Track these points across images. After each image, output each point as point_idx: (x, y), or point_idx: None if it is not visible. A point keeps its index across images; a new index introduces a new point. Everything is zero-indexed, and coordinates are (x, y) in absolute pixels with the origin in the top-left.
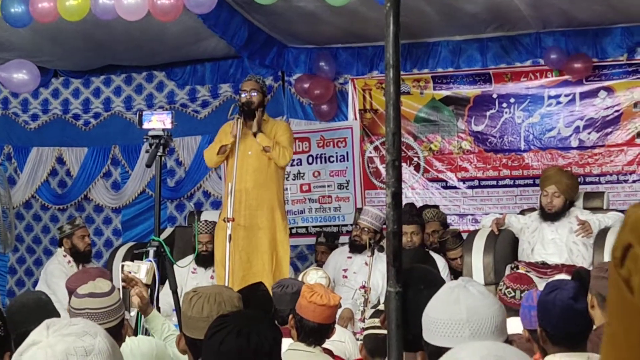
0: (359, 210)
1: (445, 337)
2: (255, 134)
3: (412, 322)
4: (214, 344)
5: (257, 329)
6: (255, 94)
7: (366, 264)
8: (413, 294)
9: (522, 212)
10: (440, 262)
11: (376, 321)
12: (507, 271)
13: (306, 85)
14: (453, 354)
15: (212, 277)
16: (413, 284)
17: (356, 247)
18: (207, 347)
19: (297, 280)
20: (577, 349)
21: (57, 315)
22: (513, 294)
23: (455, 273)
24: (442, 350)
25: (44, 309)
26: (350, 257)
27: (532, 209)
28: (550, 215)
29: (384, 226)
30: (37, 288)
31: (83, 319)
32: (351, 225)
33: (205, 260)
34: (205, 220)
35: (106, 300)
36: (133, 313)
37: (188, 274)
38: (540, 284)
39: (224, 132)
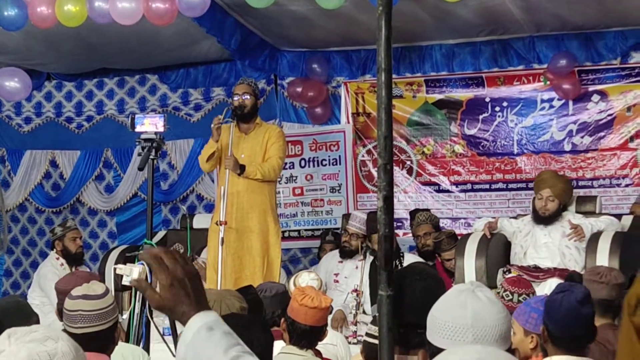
0: (347, 216)
1: (448, 339)
2: (240, 175)
3: (405, 312)
4: None
5: (248, 332)
6: (248, 97)
7: (357, 268)
8: (408, 283)
9: (517, 217)
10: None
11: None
12: (500, 275)
13: (299, 89)
14: (444, 356)
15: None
16: (409, 274)
17: (346, 253)
18: None
19: (276, 283)
20: (577, 353)
21: (36, 317)
22: (511, 297)
23: (450, 274)
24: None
25: (23, 312)
26: (342, 262)
27: (526, 215)
28: (543, 219)
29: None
30: (30, 290)
31: (43, 326)
32: (342, 231)
33: None
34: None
35: (99, 303)
36: (125, 316)
37: None
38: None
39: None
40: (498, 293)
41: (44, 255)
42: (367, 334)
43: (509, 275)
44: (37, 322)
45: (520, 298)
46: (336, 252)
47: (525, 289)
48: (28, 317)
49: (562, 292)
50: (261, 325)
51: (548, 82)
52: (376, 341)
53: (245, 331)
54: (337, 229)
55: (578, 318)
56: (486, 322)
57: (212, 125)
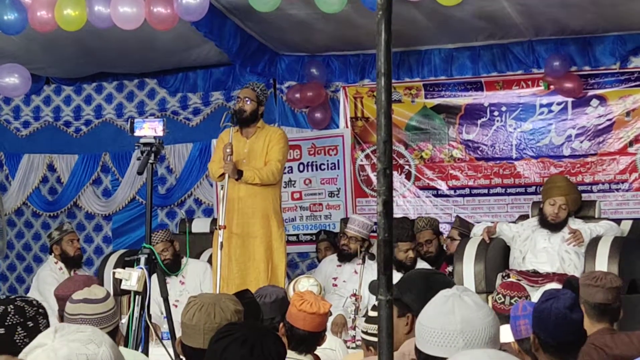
0: (344, 220)
1: (439, 346)
2: (237, 179)
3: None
4: (217, 349)
5: (261, 341)
6: (249, 102)
7: (355, 272)
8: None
9: (516, 222)
10: None
11: (372, 327)
12: (499, 280)
13: (298, 93)
14: (455, 358)
15: (182, 283)
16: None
17: (345, 256)
18: (211, 351)
19: (277, 288)
20: (568, 357)
21: None
22: (503, 299)
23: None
24: (434, 359)
25: None
26: (340, 266)
27: (524, 217)
28: (551, 225)
29: (372, 234)
30: (28, 294)
31: (92, 327)
32: (340, 234)
33: (168, 268)
34: (160, 231)
35: (100, 307)
36: (124, 320)
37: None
38: (532, 293)
39: (222, 141)
40: (492, 297)
41: (38, 260)
42: (364, 332)
43: (500, 281)
44: None
45: (512, 301)
46: (334, 256)
47: (518, 291)
48: None
49: (549, 300)
50: (275, 336)
51: (549, 87)
52: (374, 339)
53: (259, 339)
54: (336, 233)
55: (568, 324)
56: (475, 326)
57: (226, 150)
